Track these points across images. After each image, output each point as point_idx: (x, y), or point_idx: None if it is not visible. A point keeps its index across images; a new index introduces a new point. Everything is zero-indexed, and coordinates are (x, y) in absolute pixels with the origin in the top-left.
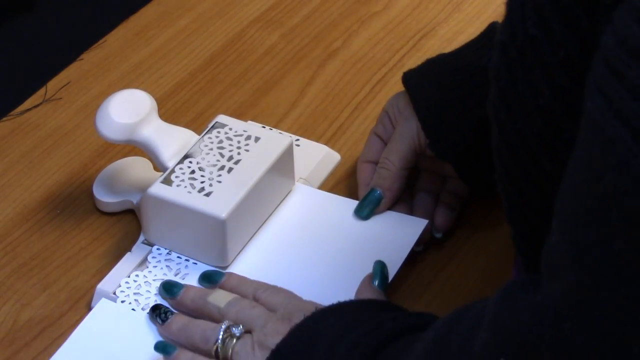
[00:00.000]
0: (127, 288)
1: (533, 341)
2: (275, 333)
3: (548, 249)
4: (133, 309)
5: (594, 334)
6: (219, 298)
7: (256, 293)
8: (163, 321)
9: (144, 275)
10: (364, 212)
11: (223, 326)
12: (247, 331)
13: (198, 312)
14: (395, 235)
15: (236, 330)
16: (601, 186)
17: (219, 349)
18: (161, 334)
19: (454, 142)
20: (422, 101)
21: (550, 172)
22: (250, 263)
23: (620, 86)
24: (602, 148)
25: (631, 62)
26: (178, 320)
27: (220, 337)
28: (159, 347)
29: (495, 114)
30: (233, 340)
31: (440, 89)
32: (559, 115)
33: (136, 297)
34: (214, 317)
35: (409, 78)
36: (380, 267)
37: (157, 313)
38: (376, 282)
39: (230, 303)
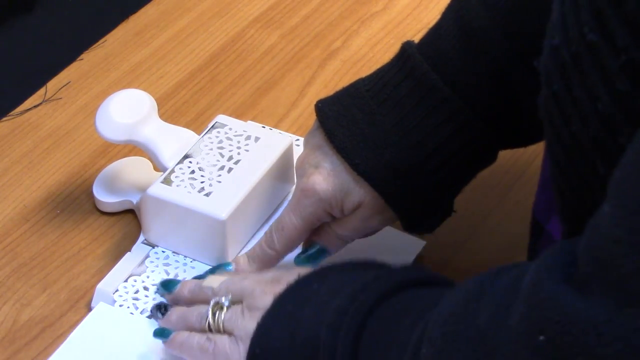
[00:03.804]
0: (126, 292)
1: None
2: (263, 294)
3: (596, 239)
4: (131, 313)
5: None
6: (213, 281)
7: (249, 274)
8: (164, 314)
9: (142, 280)
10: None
11: (212, 301)
12: (238, 302)
13: (195, 300)
14: (392, 252)
15: (225, 301)
16: None
17: (210, 323)
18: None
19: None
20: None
21: (604, 176)
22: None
23: None
24: None
25: None
26: (176, 310)
27: (210, 309)
28: (158, 333)
29: (548, 116)
30: (223, 310)
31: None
32: (617, 120)
33: (134, 301)
34: (208, 299)
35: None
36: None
37: (157, 308)
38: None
39: (222, 282)
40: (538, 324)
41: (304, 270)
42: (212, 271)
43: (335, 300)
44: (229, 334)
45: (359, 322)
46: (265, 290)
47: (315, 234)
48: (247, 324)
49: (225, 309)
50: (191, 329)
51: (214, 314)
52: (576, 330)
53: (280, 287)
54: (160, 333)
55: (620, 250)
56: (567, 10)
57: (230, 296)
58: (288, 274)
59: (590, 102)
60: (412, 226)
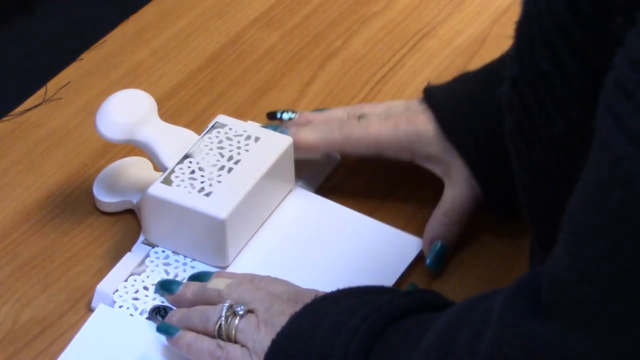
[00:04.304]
0: (125, 293)
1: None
2: (281, 313)
3: (553, 265)
4: (131, 314)
5: (606, 352)
6: (218, 282)
7: (254, 281)
8: (163, 317)
9: (142, 280)
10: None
11: (226, 304)
12: (250, 311)
13: (198, 302)
14: (392, 251)
15: (239, 309)
16: (609, 203)
17: (222, 327)
18: None
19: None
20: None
21: (567, 200)
22: (250, 263)
23: (629, 105)
24: (610, 166)
25: None
26: (178, 311)
27: (224, 314)
28: (162, 329)
29: (512, 144)
30: (236, 318)
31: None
32: (573, 146)
33: (134, 302)
34: (214, 301)
35: (445, 116)
36: (439, 248)
37: (156, 311)
38: (428, 261)
39: (229, 285)
40: (502, 350)
41: (311, 292)
42: (202, 277)
43: (351, 321)
44: (241, 344)
45: (367, 343)
46: (284, 310)
47: (431, 233)
48: (263, 338)
49: (238, 317)
50: (193, 330)
51: (227, 319)
52: (535, 355)
53: (297, 307)
54: (165, 329)
55: (571, 277)
56: (522, 40)
57: (244, 306)
58: (305, 294)
59: (548, 129)
60: (495, 201)
